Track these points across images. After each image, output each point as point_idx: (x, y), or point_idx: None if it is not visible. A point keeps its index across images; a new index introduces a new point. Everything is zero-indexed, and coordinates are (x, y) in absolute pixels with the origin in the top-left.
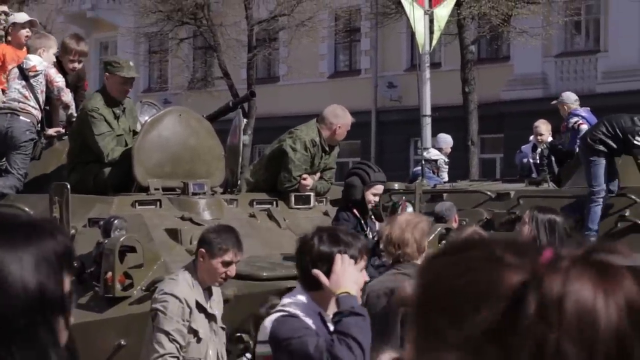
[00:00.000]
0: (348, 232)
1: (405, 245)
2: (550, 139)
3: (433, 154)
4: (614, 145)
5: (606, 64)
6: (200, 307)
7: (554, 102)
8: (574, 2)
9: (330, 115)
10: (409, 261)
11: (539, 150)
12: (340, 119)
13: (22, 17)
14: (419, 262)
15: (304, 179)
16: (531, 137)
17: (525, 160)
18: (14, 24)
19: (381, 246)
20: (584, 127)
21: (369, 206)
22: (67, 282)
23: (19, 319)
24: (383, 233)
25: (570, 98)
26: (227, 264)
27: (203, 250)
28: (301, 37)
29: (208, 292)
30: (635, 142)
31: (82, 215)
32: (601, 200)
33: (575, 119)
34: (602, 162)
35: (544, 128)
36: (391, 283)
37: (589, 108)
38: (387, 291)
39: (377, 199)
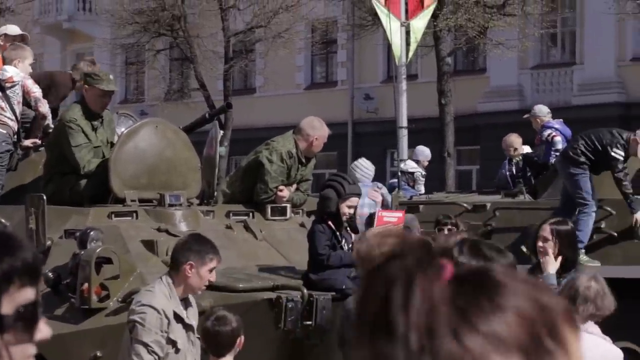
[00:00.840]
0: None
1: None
2: (524, 150)
3: (410, 166)
4: (595, 159)
5: (582, 76)
6: (178, 318)
7: (526, 115)
8: (549, 15)
9: (307, 127)
10: None
11: (514, 161)
12: (317, 130)
13: (13, 29)
14: None
15: (280, 190)
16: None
17: (502, 171)
18: (5, 35)
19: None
20: (558, 139)
21: (344, 218)
22: (31, 293)
23: None
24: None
25: (543, 111)
26: (211, 271)
27: (192, 262)
28: (278, 48)
29: (185, 303)
30: (613, 153)
31: (58, 227)
32: (593, 212)
33: (548, 131)
34: (587, 174)
35: (517, 142)
36: None
37: (561, 120)
38: None
39: (352, 211)
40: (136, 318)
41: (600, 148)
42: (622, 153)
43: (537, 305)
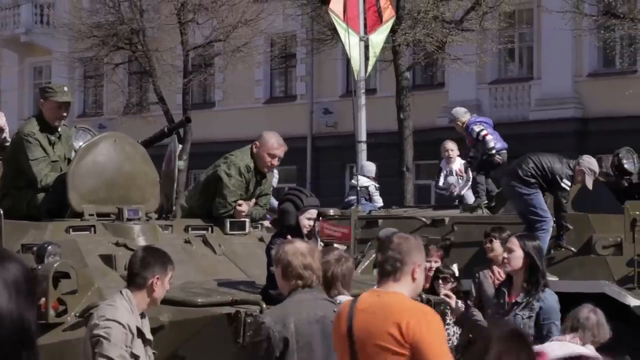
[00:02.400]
0: None
1: (311, 275)
2: (458, 158)
3: (363, 181)
4: (543, 183)
5: (539, 91)
6: (140, 332)
7: (450, 122)
8: (507, 30)
9: (263, 141)
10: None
11: (454, 173)
12: (274, 148)
13: None
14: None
15: (239, 205)
16: (442, 163)
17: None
18: None
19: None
20: (490, 137)
21: (304, 231)
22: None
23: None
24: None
25: (460, 112)
26: (169, 283)
27: (158, 275)
28: (237, 62)
29: (142, 319)
30: (563, 184)
31: (15, 241)
32: (550, 228)
33: (477, 128)
34: (539, 192)
35: (451, 145)
36: (319, 310)
37: (476, 114)
38: (317, 318)
39: (311, 223)
40: (101, 333)
41: (549, 175)
42: (570, 184)
43: None
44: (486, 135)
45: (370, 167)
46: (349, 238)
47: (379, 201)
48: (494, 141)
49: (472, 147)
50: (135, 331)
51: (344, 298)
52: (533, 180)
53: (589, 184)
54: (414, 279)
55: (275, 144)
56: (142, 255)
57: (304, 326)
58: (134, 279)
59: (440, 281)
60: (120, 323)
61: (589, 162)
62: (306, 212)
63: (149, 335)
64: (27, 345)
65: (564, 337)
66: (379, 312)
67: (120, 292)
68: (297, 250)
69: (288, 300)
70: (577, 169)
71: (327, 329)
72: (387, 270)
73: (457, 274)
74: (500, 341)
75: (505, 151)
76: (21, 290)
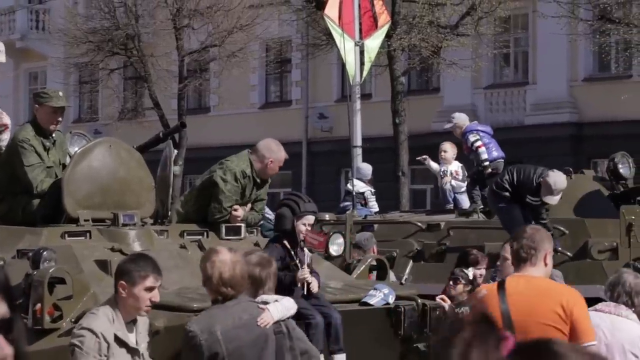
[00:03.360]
0: None
1: (236, 284)
2: (454, 161)
3: (360, 186)
4: (514, 196)
5: (535, 96)
6: (121, 342)
7: (448, 126)
8: (502, 35)
9: (264, 149)
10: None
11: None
12: (274, 153)
13: None
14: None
15: (235, 210)
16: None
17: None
18: None
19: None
20: (482, 149)
21: (300, 236)
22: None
23: None
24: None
25: (461, 118)
26: (149, 290)
27: (123, 282)
28: (232, 67)
29: (134, 326)
30: (528, 199)
31: (10, 247)
32: None
33: (472, 137)
34: (513, 206)
35: (448, 147)
36: (244, 314)
37: (476, 122)
38: (243, 322)
39: (308, 229)
40: (75, 341)
41: (518, 189)
42: (535, 199)
43: None
44: (479, 147)
45: (366, 169)
46: (322, 247)
47: (374, 207)
48: (487, 152)
49: (469, 155)
50: (111, 340)
51: (268, 298)
52: (505, 193)
53: (550, 200)
54: (545, 264)
55: (275, 147)
56: (121, 261)
57: (230, 332)
58: (115, 287)
59: (451, 282)
60: (93, 332)
61: (555, 179)
62: (303, 217)
63: (134, 345)
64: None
65: (609, 307)
66: (538, 294)
67: (109, 299)
68: (221, 263)
69: (213, 307)
70: (543, 182)
71: (254, 330)
72: (523, 257)
73: (471, 277)
74: (469, 326)
75: (502, 160)
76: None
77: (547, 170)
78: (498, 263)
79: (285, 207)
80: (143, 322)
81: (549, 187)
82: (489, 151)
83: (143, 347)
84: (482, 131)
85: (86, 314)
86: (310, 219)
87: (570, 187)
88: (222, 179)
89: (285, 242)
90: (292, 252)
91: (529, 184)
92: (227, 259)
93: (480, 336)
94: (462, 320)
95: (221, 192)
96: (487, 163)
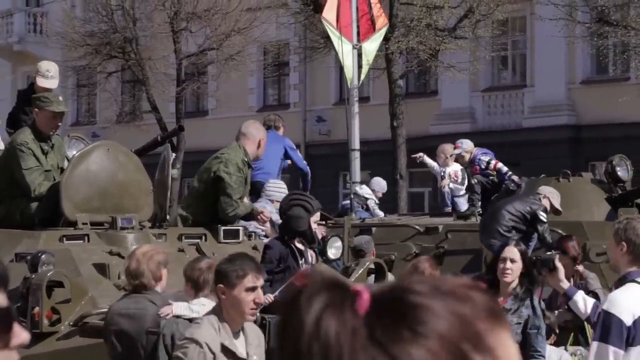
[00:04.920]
0: None
1: (141, 276)
2: (454, 163)
3: (365, 191)
4: (522, 228)
5: (532, 99)
6: (228, 352)
7: (456, 152)
8: (500, 38)
9: (253, 129)
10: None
11: (448, 176)
12: (262, 132)
13: None
14: (158, 289)
15: (261, 212)
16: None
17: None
18: None
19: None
20: (501, 164)
21: (319, 234)
22: (2, 298)
23: None
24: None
25: (470, 144)
26: (251, 291)
27: (222, 285)
28: (230, 71)
29: (243, 335)
30: (541, 217)
31: (9, 250)
32: None
33: (485, 158)
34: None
35: (450, 150)
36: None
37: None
38: (129, 312)
39: (316, 226)
40: (178, 353)
41: (529, 216)
42: (545, 214)
43: (458, 321)
44: (496, 164)
45: (382, 184)
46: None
47: (379, 213)
48: (505, 167)
49: (475, 175)
50: (217, 350)
51: (206, 301)
52: (513, 232)
53: (558, 205)
54: None
55: (260, 128)
56: (218, 263)
57: (114, 317)
58: (216, 294)
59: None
60: (197, 342)
61: (549, 190)
62: (315, 215)
63: (242, 355)
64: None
65: None
66: None
67: (213, 308)
68: (133, 256)
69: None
70: (543, 199)
71: (136, 322)
72: None
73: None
74: (318, 289)
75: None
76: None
77: (529, 201)
78: (508, 265)
79: (298, 207)
80: (255, 332)
81: (550, 196)
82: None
83: (256, 357)
84: (489, 153)
85: (191, 325)
86: (319, 216)
87: (568, 190)
88: (225, 173)
89: (296, 242)
90: (306, 252)
91: (535, 206)
92: (140, 252)
93: (330, 297)
94: (309, 284)
95: (228, 185)
96: (511, 172)
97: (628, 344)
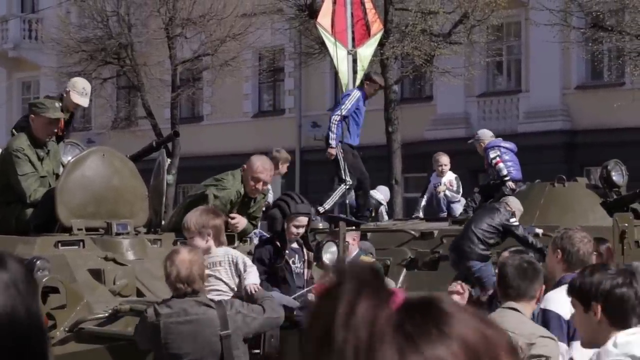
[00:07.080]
0: None
1: (193, 282)
2: (449, 172)
3: (379, 196)
4: (498, 240)
5: (527, 104)
6: None
7: (471, 141)
8: (495, 43)
9: (256, 170)
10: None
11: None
12: (263, 174)
13: None
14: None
15: (233, 218)
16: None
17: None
18: None
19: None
20: (501, 165)
21: (292, 238)
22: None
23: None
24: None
25: (486, 134)
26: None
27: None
28: (225, 76)
29: None
30: (513, 224)
31: None
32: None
33: (492, 154)
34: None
35: (445, 160)
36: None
37: (501, 139)
38: (189, 319)
39: (300, 230)
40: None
41: (501, 228)
42: (516, 219)
43: (482, 336)
44: (497, 162)
45: (385, 192)
46: None
47: (386, 218)
48: (507, 169)
49: (487, 170)
50: None
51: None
52: (489, 251)
53: (518, 214)
54: None
55: (260, 167)
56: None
57: (171, 325)
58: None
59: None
60: None
61: (513, 200)
62: (294, 219)
63: None
64: (40, 338)
65: None
66: None
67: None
68: (179, 261)
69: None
70: (510, 210)
71: (193, 327)
72: None
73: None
74: (356, 278)
75: (521, 183)
76: (24, 287)
77: (495, 214)
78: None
79: (275, 209)
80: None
81: (512, 213)
82: (508, 169)
83: None
84: (506, 147)
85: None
86: (303, 220)
87: (563, 194)
88: (214, 196)
89: (278, 243)
90: (283, 253)
91: (504, 216)
92: (186, 259)
93: (369, 288)
94: (347, 272)
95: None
96: (508, 178)
97: (569, 338)
